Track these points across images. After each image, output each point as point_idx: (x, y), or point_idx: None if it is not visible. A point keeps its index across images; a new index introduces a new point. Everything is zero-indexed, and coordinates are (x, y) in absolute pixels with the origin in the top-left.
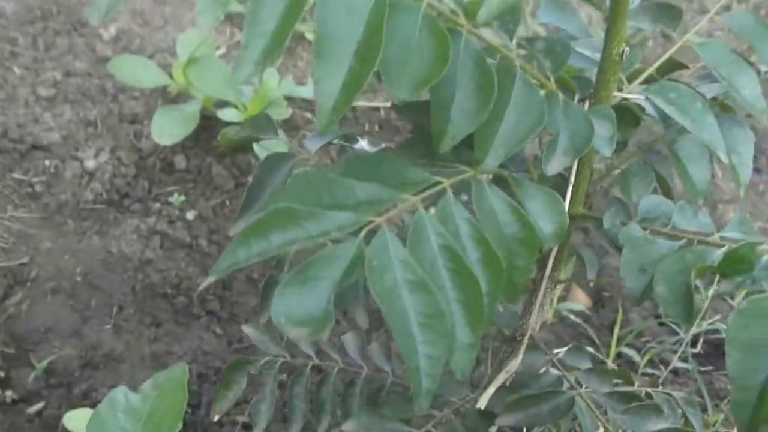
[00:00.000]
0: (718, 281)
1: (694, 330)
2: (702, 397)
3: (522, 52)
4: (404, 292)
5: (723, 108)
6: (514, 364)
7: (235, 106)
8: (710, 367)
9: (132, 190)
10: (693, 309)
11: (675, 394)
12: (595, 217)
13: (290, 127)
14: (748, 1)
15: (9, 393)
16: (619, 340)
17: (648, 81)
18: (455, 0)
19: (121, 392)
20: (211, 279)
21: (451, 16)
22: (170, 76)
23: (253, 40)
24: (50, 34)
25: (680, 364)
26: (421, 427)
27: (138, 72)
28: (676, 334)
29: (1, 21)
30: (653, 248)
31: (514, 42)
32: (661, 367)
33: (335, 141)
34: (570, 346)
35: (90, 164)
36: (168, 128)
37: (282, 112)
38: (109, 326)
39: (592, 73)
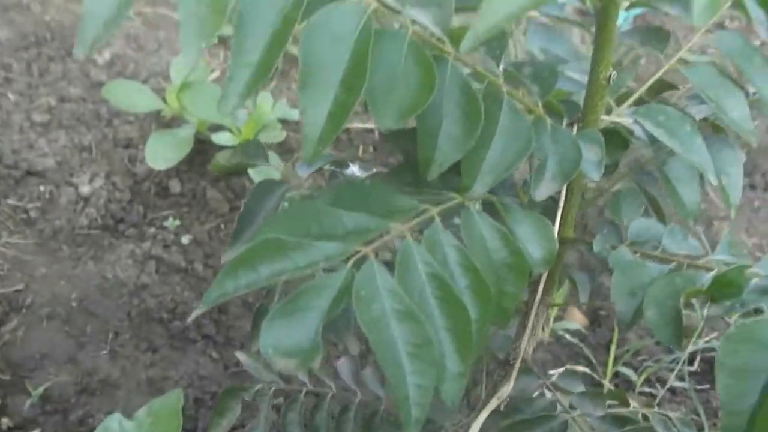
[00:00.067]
0: (709, 305)
1: (690, 348)
2: (699, 415)
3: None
4: (392, 322)
5: (714, 129)
6: (506, 390)
7: (230, 130)
8: (707, 386)
9: (127, 215)
10: (682, 333)
11: (671, 414)
12: (586, 240)
13: (285, 150)
14: (740, 19)
15: (5, 420)
16: (616, 360)
17: (639, 102)
18: (441, 26)
19: (115, 420)
20: (199, 310)
21: (437, 43)
22: (164, 100)
23: (239, 71)
24: (44, 60)
25: (677, 383)
26: None
27: (132, 97)
28: (673, 352)
29: None
30: (643, 272)
31: (502, 67)
32: (658, 385)
33: (326, 166)
34: (564, 368)
35: (85, 189)
36: (162, 153)
37: (276, 135)
38: (105, 352)
39: (581, 97)
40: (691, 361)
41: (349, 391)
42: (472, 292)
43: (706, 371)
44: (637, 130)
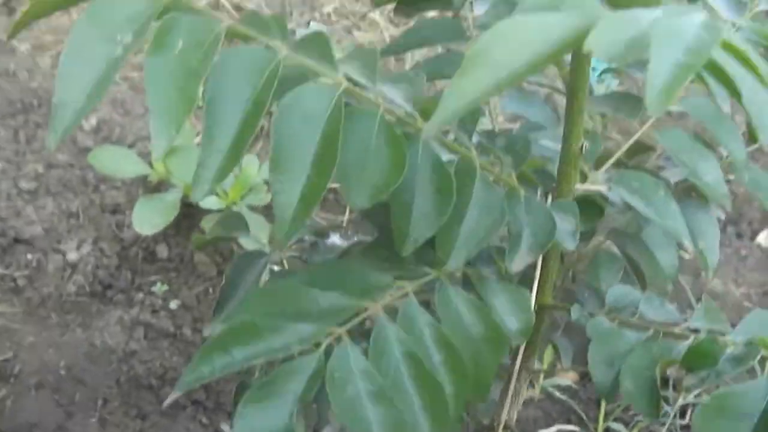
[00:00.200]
0: (685, 375)
1: (681, 401)
2: None
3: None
4: (366, 403)
5: (691, 191)
6: None
7: (216, 194)
8: None
9: (115, 281)
10: (659, 404)
11: None
12: (565, 308)
13: (271, 212)
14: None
15: None
16: (607, 415)
17: (618, 164)
18: (412, 103)
19: None
20: (175, 394)
21: (408, 120)
22: (150, 165)
23: (210, 158)
24: (32, 127)
25: None
26: None
27: (118, 162)
28: (665, 404)
29: None
30: (620, 341)
31: (475, 139)
32: None
33: (306, 237)
34: (555, 429)
35: (72, 256)
36: (149, 218)
37: (262, 198)
38: (94, 420)
39: (556, 165)
40: (682, 414)
41: None
42: (447, 368)
43: None
44: (613, 196)
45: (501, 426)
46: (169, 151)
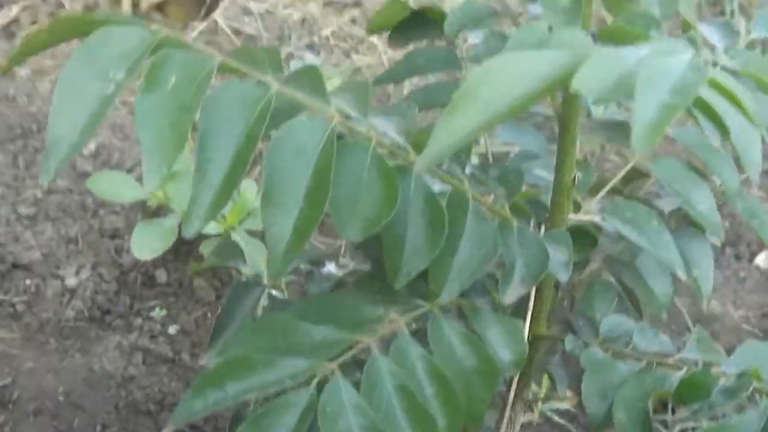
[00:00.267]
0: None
1: (680, 425)
2: None
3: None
4: None
5: (687, 218)
6: None
7: (214, 218)
8: None
9: (114, 306)
10: None
11: None
12: (559, 338)
13: None
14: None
15: None
16: None
17: (613, 191)
18: (404, 135)
19: None
20: (168, 430)
21: (400, 153)
22: None
23: (202, 193)
24: (31, 152)
25: None
26: None
27: (117, 187)
28: (661, 429)
29: None
30: (614, 372)
31: (468, 170)
32: None
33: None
34: None
35: (71, 282)
36: (148, 243)
37: (261, 223)
38: None
39: (549, 195)
40: None
41: None
42: (439, 400)
43: None
44: (607, 226)
45: None
46: (167, 176)
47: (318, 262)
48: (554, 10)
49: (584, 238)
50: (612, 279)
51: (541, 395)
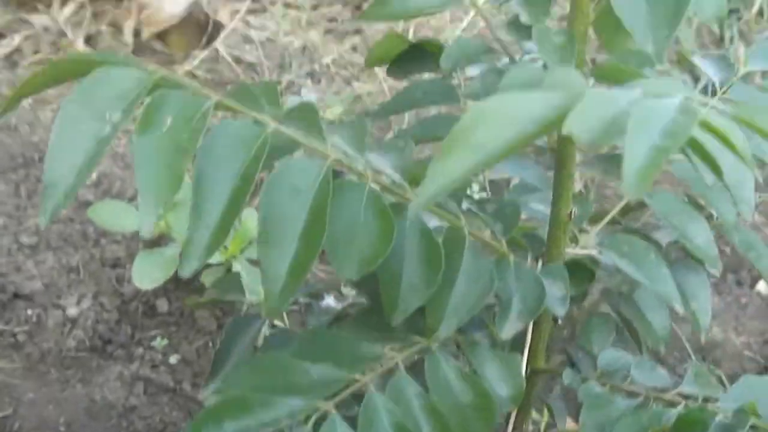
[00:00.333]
0: None
1: None
2: None
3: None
4: None
5: (684, 250)
6: None
7: None
8: None
9: (115, 336)
10: None
11: None
12: (557, 372)
13: None
14: None
15: None
16: None
17: (612, 221)
18: (401, 172)
19: None
20: None
21: (397, 190)
22: None
23: (198, 234)
24: (32, 182)
25: None
26: None
27: (118, 216)
28: None
29: None
30: (611, 407)
31: (465, 205)
32: None
33: (301, 299)
34: None
35: (72, 311)
36: (149, 272)
37: None
38: None
39: (546, 229)
40: None
41: None
42: None
43: None
44: (604, 260)
45: None
46: (168, 206)
47: (317, 295)
48: (549, 47)
49: (581, 271)
50: (611, 311)
51: (542, 426)
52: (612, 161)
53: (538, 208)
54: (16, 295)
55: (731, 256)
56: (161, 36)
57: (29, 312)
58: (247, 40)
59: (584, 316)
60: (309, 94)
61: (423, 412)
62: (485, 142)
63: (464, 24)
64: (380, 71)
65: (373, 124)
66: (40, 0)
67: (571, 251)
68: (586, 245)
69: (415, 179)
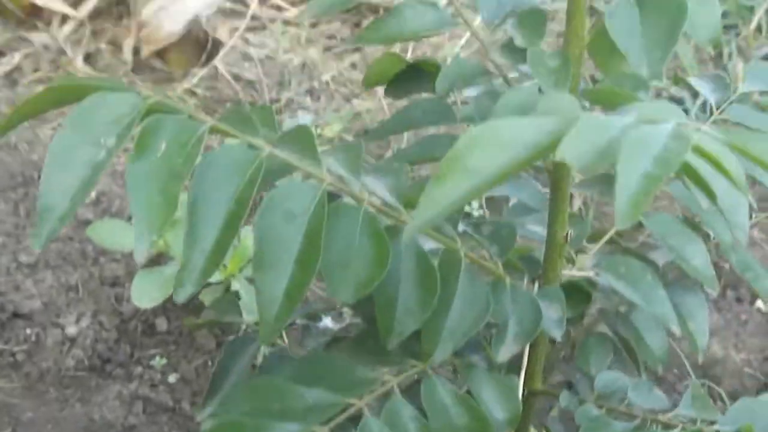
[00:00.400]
0: None
1: None
2: None
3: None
4: None
5: (681, 269)
6: None
7: None
8: None
9: (114, 355)
10: None
11: None
12: (554, 394)
13: None
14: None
15: None
16: None
17: (610, 242)
18: (396, 195)
19: None
20: None
21: (393, 213)
22: None
23: (193, 259)
24: (32, 200)
25: None
26: None
27: (117, 235)
28: None
29: None
30: (609, 430)
31: (461, 227)
32: None
33: (298, 320)
34: None
35: (71, 330)
36: (148, 291)
37: None
38: None
39: (543, 250)
40: None
41: None
42: None
43: None
44: (601, 281)
45: None
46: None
47: (314, 316)
48: (543, 70)
49: (578, 293)
50: (608, 331)
51: None
52: (609, 181)
53: (535, 229)
54: (15, 314)
55: (730, 272)
56: (160, 54)
57: (28, 331)
58: (247, 57)
59: (582, 336)
60: (305, 115)
61: None
62: (480, 167)
63: (463, 41)
64: (380, 88)
65: (372, 143)
66: (40, 18)
67: (568, 273)
68: (583, 267)
69: (410, 202)
